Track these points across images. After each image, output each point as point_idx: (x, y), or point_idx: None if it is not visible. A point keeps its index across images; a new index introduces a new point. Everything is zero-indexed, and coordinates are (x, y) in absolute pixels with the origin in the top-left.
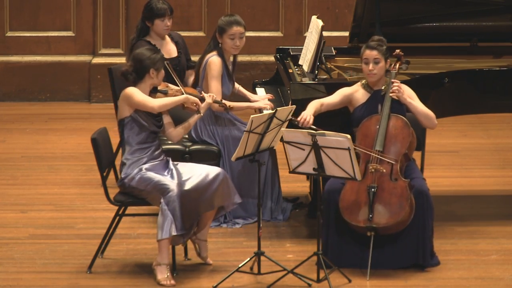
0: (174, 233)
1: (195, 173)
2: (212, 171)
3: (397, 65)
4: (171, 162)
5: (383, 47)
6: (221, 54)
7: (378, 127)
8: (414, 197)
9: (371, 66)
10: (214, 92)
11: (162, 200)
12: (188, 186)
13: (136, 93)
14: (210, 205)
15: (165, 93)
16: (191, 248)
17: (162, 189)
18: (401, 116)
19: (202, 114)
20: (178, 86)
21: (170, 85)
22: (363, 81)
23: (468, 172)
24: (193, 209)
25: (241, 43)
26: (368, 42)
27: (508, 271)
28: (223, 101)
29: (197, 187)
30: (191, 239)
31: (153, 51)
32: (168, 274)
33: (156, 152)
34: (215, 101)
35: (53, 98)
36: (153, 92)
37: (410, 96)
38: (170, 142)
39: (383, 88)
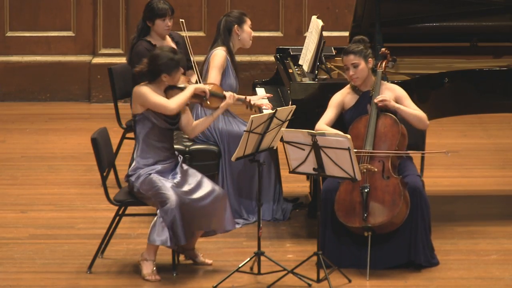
0: (168, 244)
1: (200, 186)
2: (216, 190)
3: (384, 63)
4: (179, 165)
5: (359, 48)
6: (229, 50)
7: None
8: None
9: (351, 71)
10: (212, 81)
11: (158, 212)
12: (190, 197)
13: (149, 94)
14: (208, 225)
15: (183, 89)
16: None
17: (161, 199)
18: (390, 114)
19: (220, 113)
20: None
21: (190, 81)
22: (352, 83)
23: (468, 172)
24: (192, 222)
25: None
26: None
27: (508, 271)
28: (246, 97)
29: (198, 202)
30: (182, 254)
31: (171, 55)
32: (154, 269)
33: (167, 153)
34: (238, 100)
35: (53, 98)
36: (170, 88)
37: (400, 96)
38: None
39: (371, 89)
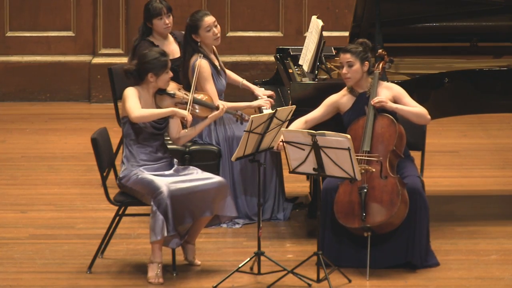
0: (165, 234)
1: (194, 178)
2: (213, 178)
3: (380, 65)
4: (176, 165)
5: (358, 49)
6: (203, 55)
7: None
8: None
9: (344, 69)
10: (211, 94)
11: (152, 202)
12: (180, 188)
13: (129, 97)
14: (208, 211)
15: (172, 96)
16: None
17: (153, 191)
18: (387, 115)
19: (208, 123)
20: (191, 90)
21: (182, 89)
22: (348, 85)
23: (468, 172)
24: (186, 211)
25: (218, 31)
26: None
27: (508, 271)
28: (238, 112)
29: (190, 191)
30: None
31: (158, 55)
32: (159, 272)
33: (158, 154)
34: (228, 112)
35: (53, 98)
36: (159, 93)
37: (398, 95)
38: (171, 142)
39: (368, 90)
